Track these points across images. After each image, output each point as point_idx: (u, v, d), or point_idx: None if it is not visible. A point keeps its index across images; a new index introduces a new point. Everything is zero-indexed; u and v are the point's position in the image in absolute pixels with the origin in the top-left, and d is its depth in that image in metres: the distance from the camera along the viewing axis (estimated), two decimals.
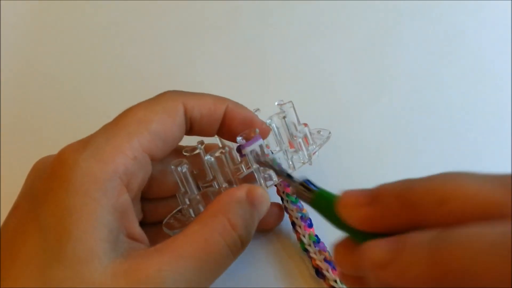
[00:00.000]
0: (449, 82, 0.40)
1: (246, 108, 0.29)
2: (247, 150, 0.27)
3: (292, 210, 0.31)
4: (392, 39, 0.42)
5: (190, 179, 0.27)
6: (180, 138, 0.27)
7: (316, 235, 0.30)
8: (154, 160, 0.26)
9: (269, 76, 0.41)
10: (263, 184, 0.28)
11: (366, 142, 0.36)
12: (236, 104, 0.29)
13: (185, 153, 0.28)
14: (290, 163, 0.30)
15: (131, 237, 0.24)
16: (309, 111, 0.34)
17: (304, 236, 0.30)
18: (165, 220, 0.28)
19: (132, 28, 0.44)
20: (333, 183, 0.34)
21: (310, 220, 0.31)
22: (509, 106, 0.38)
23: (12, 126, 0.40)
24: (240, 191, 0.26)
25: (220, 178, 0.27)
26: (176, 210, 0.28)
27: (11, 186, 0.33)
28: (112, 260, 0.22)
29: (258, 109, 0.30)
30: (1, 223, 0.25)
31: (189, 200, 0.27)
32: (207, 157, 0.27)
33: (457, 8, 0.43)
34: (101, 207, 0.22)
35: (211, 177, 0.28)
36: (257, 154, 0.27)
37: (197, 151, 0.28)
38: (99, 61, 0.43)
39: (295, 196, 0.30)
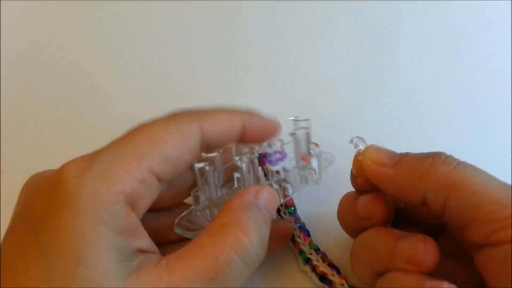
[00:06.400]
0: (449, 82, 0.39)
1: (261, 117, 0.28)
2: (272, 168, 0.27)
3: (290, 222, 0.30)
4: (392, 39, 0.42)
5: (212, 180, 0.26)
6: (191, 163, 0.26)
7: (316, 245, 0.30)
8: (160, 181, 0.24)
9: (269, 75, 0.41)
10: (280, 196, 0.28)
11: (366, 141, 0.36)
12: (251, 115, 0.27)
13: (204, 155, 0.27)
14: (305, 179, 0.29)
15: (142, 251, 0.23)
16: (309, 111, 0.34)
17: (304, 246, 0.30)
18: (177, 220, 0.27)
19: (133, 28, 0.44)
20: (332, 183, 0.33)
21: (308, 231, 0.30)
22: (509, 106, 0.37)
23: (12, 126, 0.39)
24: (249, 194, 0.25)
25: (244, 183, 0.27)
26: (187, 210, 0.28)
27: (11, 189, 0.33)
28: (125, 279, 0.21)
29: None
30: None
31: (209, 201, 0.26)
32: (237, 159, 0.26)
33: (457, 8, 0.43)
34: (110, 230, 0.21)
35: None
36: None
37: (215, 154, 0.27)
38: (100, 62, 0.42)
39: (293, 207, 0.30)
